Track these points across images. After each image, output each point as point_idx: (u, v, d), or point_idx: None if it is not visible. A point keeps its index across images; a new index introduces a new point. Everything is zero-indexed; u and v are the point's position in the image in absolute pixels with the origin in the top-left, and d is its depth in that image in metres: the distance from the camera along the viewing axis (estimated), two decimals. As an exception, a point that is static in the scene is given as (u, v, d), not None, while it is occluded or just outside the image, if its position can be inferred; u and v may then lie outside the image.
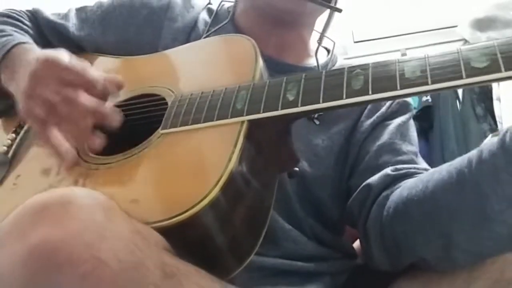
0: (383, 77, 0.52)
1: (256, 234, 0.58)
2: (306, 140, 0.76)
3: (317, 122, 0.77)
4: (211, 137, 0.57)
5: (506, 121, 2.17)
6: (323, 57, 0.86)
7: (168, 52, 0.77)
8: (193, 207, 0.49)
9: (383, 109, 0.80)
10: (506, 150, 0.52)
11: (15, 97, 0.67)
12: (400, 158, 0.75)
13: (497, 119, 2.25)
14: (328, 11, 0.79)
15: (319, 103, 0.54)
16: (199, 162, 0.57)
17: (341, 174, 0.78)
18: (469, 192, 0.56)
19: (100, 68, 0.83)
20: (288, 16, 0.78)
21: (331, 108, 0.54)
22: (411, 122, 0.83)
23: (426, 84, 0.49)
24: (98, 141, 0.62)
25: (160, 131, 0.61)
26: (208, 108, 0.59)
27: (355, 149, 0.78)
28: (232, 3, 0.86)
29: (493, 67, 0.46)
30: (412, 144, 0.78)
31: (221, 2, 0.89)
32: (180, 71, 0.74)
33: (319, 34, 0.82)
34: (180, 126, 0.60)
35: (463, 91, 2.41)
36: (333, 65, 0.86)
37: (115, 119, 0.63)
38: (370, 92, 0.52)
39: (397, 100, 0.81)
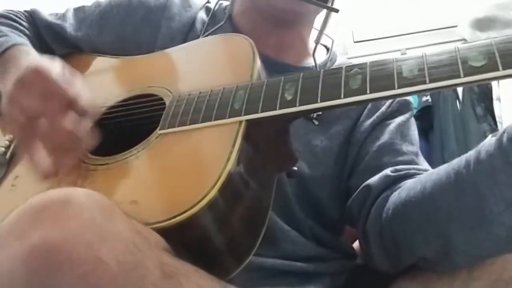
0: (381, 76, 0.52)
1: (255, 234, 0.58)
2: (305, 140, 0.76)
3: (316, 123, 0.77)
4: (209, 137, 0.57)
5: (506, 121, 2.17)
6: (322, 56, 0.86)
7: (166, 51, 0.77)
8: (191, 207, 0.49)
9: (383, 108, 0.79)
10: (504, 151, 0.51)
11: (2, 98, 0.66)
12: (400, 158, 0.75)
13: (497, 119, 2.26)
14: (326, 10, 0.79)
15: (317, 102, 0.54)
16: (198, 163, 0.57)
17: (341, 174, 0.78)
18: (467, 193, 0.55)
19: (98, 69, 0.83)
20: (287, 15, 0.78)
21: (329, 107, 0.54)
22: (412, 120, 0.82)
23: (424, 83, 0.49)
24: (70, 162, 0.61)
25: (158, 131, 0.61)
26: (206, 108, 0.59)
27: (355, 149, 0.78)
28: (229, 2, 0.86)
29: (490, 66, 0.46)
30: (412, 144, 0.78)
31: (218, 1, 0.88)
32: (178, 71, 0.74)
33: (317, 32, 0.82)
34: (178, 126, 0.60)
35: (463, 91, 2.41)
36: (333, 64, 0.85)
37: (89, 143, 0.61)
38: (368, 92, 0.51)
39: (397, 99, 0.80)
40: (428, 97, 2.45)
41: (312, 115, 0.76)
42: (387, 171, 0.72)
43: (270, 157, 0.61)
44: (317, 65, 0.81)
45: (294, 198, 0.74)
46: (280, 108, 0.55)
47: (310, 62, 0.83)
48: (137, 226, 0.46)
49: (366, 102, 0.55)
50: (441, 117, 2.41)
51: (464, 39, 2.35)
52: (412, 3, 2.60)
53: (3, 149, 0.72)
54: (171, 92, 0.67)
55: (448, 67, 0.48)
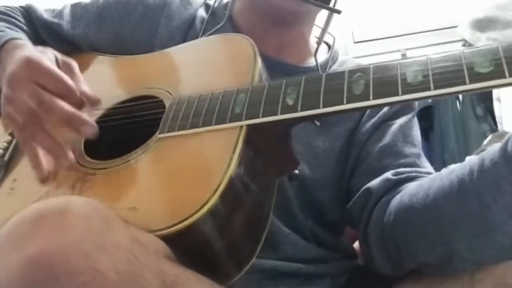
0: (385, 81, 0.51)
1: (256, 239, 0.57)
2: (306, 142, 0.75)
3: (317, 123, 0.77)
4: (209, 142, 0.57)
5: (506, 121, 2.17)
6: (323, 55, 0.85)
7: (166, 51, 0.77)
8: (192, 215, 0.48)
9: (385, 108, 0.79)
10: (508, 158, 0.51)
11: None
12: (402, 161, 0.74)
13: (497, 119, 2.25)
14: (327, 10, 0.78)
15: (319, 108, 0.53)
16: (198, 168, 0.56)
17: (342, 175, 0.78)
18: (471, 202, 0.55)
19: (97, 68, 0.83)
20: (288, 15, 0.77)
21: (331, 113, 0.53)
22: (415, 121, 0.82)
23: (429, 89, 0.48)
24: (69, 160, 0.60)
25: (157, 135, 0.60)
26: (206, 112, 0.58)
27: (357, 150, 0.77)
28: (230, 0, 0.85)
29: (497, 73, 0.45)
30: (415, 145, 0.78)
31: None
32: (178, 71, 0.74)
33: (319, 30, 0.81)
34: (178, 130, 0.59)
35: (463, 91, 2.41)
36: (334, 63, 0.85)
37: (90, 129, 0.60)
38: (371, 98, 0.51)
39: None
40: (429, 97, 2.44)
41: None
42: (388, 174, 0.71)
43: (271, 162, 0.61)
44: (319, 65, 0.80)
45: (294, 200, 0.74)
46: (281, 114, 0.55)
47: (311, 61, 0.82)
48: (136, 234, 0.46)
49: (369, 108, 0.54)
50: (441, 117, 2.40)
51: (464, 40, 2.35)
52: (412, 3, 2.59)
53: (1, 151, 0.71)
54: (171, 94, 0.66)
55: (454, 74, 0.47)
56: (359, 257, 0.83)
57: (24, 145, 0.62)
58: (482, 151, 0.58)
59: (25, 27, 0.85)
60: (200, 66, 0.71)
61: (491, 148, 0.53)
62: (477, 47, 0.48)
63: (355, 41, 2.66)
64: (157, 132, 0.60)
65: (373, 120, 0.78)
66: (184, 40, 0.79)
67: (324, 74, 0.56)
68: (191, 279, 0.46)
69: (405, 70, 0.50)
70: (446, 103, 2.41)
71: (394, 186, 0.70)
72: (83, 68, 0.82)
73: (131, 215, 0.49)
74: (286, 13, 0.77)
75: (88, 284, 0.39)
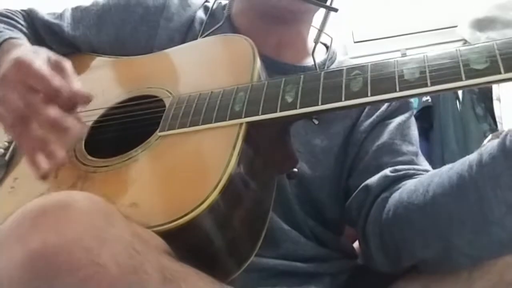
0: (382, 79, 0.52)
1: (255, 235, 0.58)
2: (305, 140, 0.76)
3: (316, 122, 0.77)
4: (209, 139, 0.57)
5: (506, 121, 2.17)
6: (321, 55, 0.86)
7: (165, 52, 0.77)
8: (192, 211, 0.49)
9: (383, 107, 0.79)
10: (507, 153, 0.51)
11: None
12: (399, 159, 0.74)
13: (497, 119, 2.25)
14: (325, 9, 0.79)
15: (317, 105, 0.54)
16: (198, 165, 0.56)
17: (340, 174, 0.78)
18: (470, 196, 0.55)
19: (97, 69, 0.83)
20: (286, 14, 0.78)
21: (330, 110, 0.54)
22: (412, 120, 0.82)
23: (426, 86, 0.49)
24: (58, 162, 0.58)
25: (158, 133, 0.61)
26: (206, 110, 0.59)
27: (355, 149, 0.78)
28: (228, 1, 0.86)
29: (492, 69, 0.46)
30: (412, 144, 0.78)
31: (215, 0, 0.88)
32: (177, 71, 0.74)
33: (317, 31, 0.81)
34: (178, 128, 0.59)
35: (463, 91, 2.41)
36: (332, 63, 0.85)
37: (76, 133, 0.59)
38: (369, 94, 0.51)
39: None
40: (428, 97, 2.44)
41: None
42: (386, 171, 0.72)
43: (270, 159, 0.61)
44: (316, 64, 0.80)
45: (294, 199, 0.74)
46: (281, 111, 0.55)
47: (309, 61, 0.83)
48: (137, 229, 0.46)
49: (367, 104, 0.54)
50: (441, 117, 2.40)
51: (464, 39, 2.35)
52: (412, 3, 2.59)
53: (2, 150, 0.72)
54: (170, 93, 0.67)
55: (450, 70, 0.48)
56: (359, 256, 0.83)
57: (19, 145, 0.62)
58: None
59: (25, 30, 0.85)
60: (199, 66, 0.71)
61: (490, 144, 0.54)
62: (473, 45, 0.48)
63: (355, 41, 2.65)
64: (158, 130, 0.61)
65: (371, 119, 0.79)
66: (183, 41, 0.80)
67: (322, 72, 0.56)
68: (191, 275, 0.46)
69: (402, 67, 0.51)
70: (446, 103, 2.41)
71: (392, 183, 0.70)
72: (83, 69, 0.83)
73: (132, 211, 0.50)
74: (284, 11, 0.77)
75: (90, 278, 0.39)
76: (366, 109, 0.80)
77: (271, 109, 0.56)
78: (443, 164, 0.62)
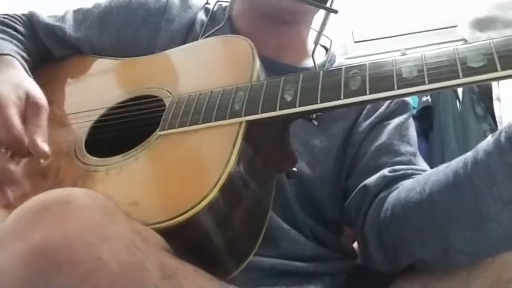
0: (380, 77, 0.52)
1: (255, 234, 0.58)
2: (304, 141, 0.76)
3: (316, 123, 0.77)
4: (209, 138, 0.58)
5: (506, 121, 2.17)
6: (321, 57, 0.86)
7: (166, 53, 0.77)
8: (191, 208, 0.49)
9: (382, 109, 0.80)
10: (502, 150, 0.52)
11: None
12: (398, 159, 0.75)
13: (497, 119, 2.25)
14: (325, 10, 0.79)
15: (316, 103, 0.54)
16: (198, 164, 0.57)
17: (340, 174, 0.78)
18: (466, 194, 0.55)
19: (98, 70, 0.83)
20: (287, 15, 0.78)
21: (329, 108, 0.54)
22: (410, 121, 0.83)
23: (423, 84, 0.49)
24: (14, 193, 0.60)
25: (158, 132, 0.61)
26: (206, 109, 0.59)
27: (353, 150, 0.78)
28: (229, 2, 0.86)
29: (489, 67, 0.46)
30: (410, 145, 0.78)
31: (216, 1, 0.88)
32: (177, 72, 0.74)
33: (316, 32, 0.82)
34: (178, 127, 0.60)
35: (463, 91, 2.41)
36: (331, 65, 0.85)
37: (15, 190, 0.61)
38: (367, 92, 0.52)
39: (396, 100, 0.81)
40: (428, 97, 2.44)
41: (311, 115, 0.77)
42: (385, 171, 0.72)
43: (270, 158, 0.61)
44: (316, 66, 0.81)
45: (293, 198, 0.74)
46: (280, 109, 0.55)
47: (309, 62, 0.83)
48: (138, 226, 0.46)
49: (365, 103, 0.55)
50: (441, 117, 2.41)
51: (464, 39, 2.35)
52: (412, 3, 2.60)
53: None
54: (170, 93, 0.67)
55: (447, 68, 0.48)
56: (359, 256, 0.83)
57: None
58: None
59: (21, 37, 0.84)
60: (199, 67, 0.71)
61: (485, 141, 0.54)
62: (470, 43, 0.49)
63: (355, 41, 2.66)
64: (158, 129, 0.61)
65: (369, 120, 0.79)
66: (184, 43, 0.80)
67: (321, 71, 0.57)
68: (191, 272, 0.46)
69: (400, 66, 0.51)
70: (446, 102, 2.41)
71: (390, 183, 0.70)
72: (84, 71, 0.84)
73: (132, 209, 0.50)
74: (284, 12, 0.77)
75: (91, 274, 0.40)
76: (365, 110, 0.80)
77: (270, 107, 0.56)
78: (443, 164, 0.62)
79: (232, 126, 0.56)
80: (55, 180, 0.63)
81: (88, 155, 0.64)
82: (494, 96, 2.29)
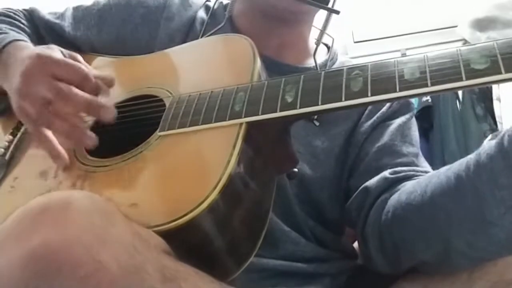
0: (382, 78, 0.52)
1: (255, 236, 0.58)
2: (305, 141, 0.76)
3: (317, 123, 0.77)
4: (209, 139, 0.57)
5: (506, 121, 2.17)
6: (322, 56, 0.86)
7: (166, 52, 0.77)
8: (192, 210, 0.48)
9: (384, 109, 0.79)
10: (505, 153, 0.51)
11: (9, 96, 0.66)
12: (399, 160, 0.74)
13: (497, 119, 2.25)
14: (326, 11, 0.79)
15: (317, 105, 0.54)
16: (198, 165, 0.56)
17: (341, 175, 0.78)
18: (468, 197, 0.55)
19: (97, 69, 0.83)
20: (288, 15, 0.78)
21: (330, 110, 0.54)
22: (413, 121, 0.82)
23: (426, 86, 0.48)
24: (91, 140, 0.61)
25: (158, 133, 0.61)
26: (206, 109, 0.59)
27: (355, 150, 0.78)
28: (229, 2, 0.86)
29: (493, 69, 0.46)
30: (413, 145, 0.78)
31: (217, 0, 0.88)
32: (177, 71, 0.74)
33: (318, 31, 0.81)
34: (178, 128, 0.59)
35: (463, 91, 2.41)
36: (333, 64, 0.85)
37: (109, 113, 0.62)
38: (369, 94, 0.51)
39: None
40: (428, 97, 2.44)
41: (313, 116, 0.76)
42: (386, 173, 0.71)
43: (270, 159, 0.61)
44: (318, 66, 0.80)
45: (294, 199, 0.74)
46: (280, 111, 0.55)
47: (310, 62, 0.83)
48: (137, 228, 0.46)
49: (367, 104, 0.54)
50: (441, 117, 2.41)
51: (464, 39, 2.35)
52: (412, 3, 2.59)
53: (2, 150, 0.72)
54: (170, 93, 0.67)
55: (450, 70, 0.48)
56: (359, 257, 0.83)
57: (40, 137, 0.63)
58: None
59: (28, 30, 0.85)
60: (199, 66, 0.71)
61: (488, 144, 0.54)
62: (473, 45, 0.48)
63: (355, 41, 2.66)
64: (158, 130, 0.61)
65: (371, 120, 0.78)
66: (184, 41, 0.80)
67: (322, 72, 0.56)
68: (191, 274, 0.46)
69: (402, 67, 0.51)
70: (446, 102, 2.41)
71: (391, 184, 0.70)
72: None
73: (132, 211, 0.50)
74: (285, 12, 0.77)
75: (90, 276, 0.39)
76: (367, 111, 0.80)
77: (271, 109, 0.56)
78: (444, 164, 0.62)
79: (232, 127, 0.56)
80: (55, 180, 0.62)
81: (88, 156, 0.64)
82: (494, 96, 2.29)
